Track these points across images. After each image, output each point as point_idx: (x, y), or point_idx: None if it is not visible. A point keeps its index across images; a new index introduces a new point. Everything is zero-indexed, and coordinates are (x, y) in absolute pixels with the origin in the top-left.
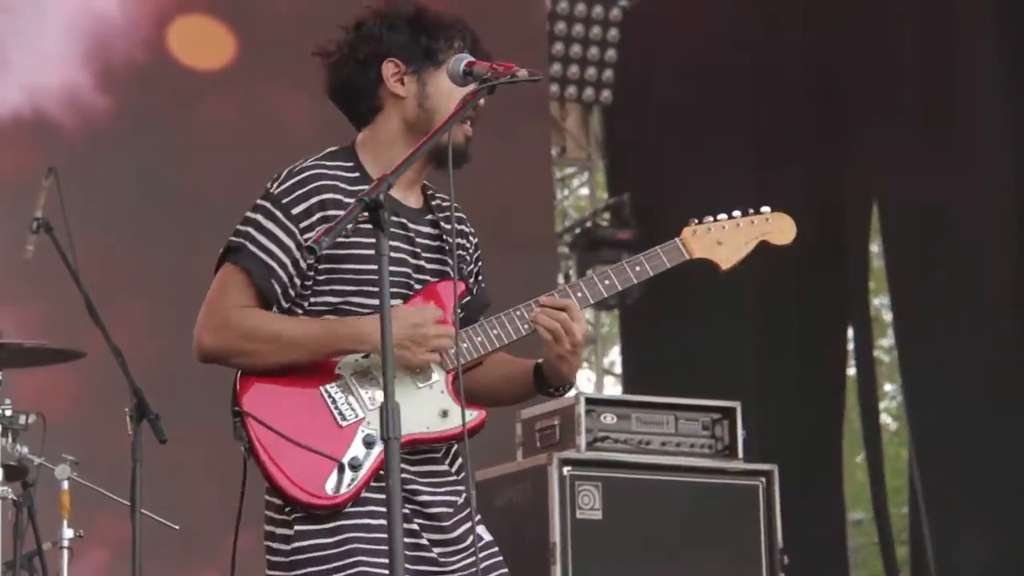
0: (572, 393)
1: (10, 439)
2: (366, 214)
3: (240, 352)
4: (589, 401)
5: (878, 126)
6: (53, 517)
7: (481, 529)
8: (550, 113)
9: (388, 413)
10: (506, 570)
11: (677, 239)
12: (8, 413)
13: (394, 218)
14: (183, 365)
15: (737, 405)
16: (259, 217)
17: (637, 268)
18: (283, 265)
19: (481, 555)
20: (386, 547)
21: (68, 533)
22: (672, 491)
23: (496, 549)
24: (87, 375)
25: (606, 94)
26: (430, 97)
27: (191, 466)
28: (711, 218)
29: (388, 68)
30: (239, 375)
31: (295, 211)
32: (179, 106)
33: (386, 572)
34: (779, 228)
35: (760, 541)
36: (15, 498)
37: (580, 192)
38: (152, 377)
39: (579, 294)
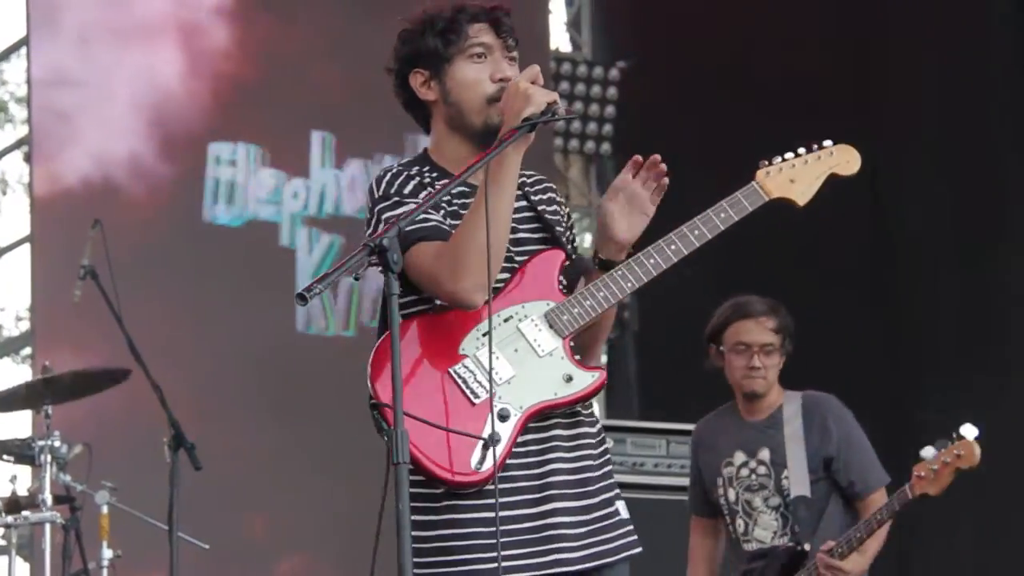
0: None
1: (55, 468)
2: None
3: (468, 256)
4: None
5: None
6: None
7: (621, 505)
8: (554, 164)
9: (397, 438)
10: (639, 550)
11: (754, 182)
12: (57, 443)
13: (462, 197)
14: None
15: None
16: (387, 209)
17: (722, 215)
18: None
19: (622, 530)
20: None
21: (107, 554)
22: (665, 510)
23: (632, 527)
24: (130, 406)
25: (606, 146)
26: (451, 92)
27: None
28: (779, 158)
29: (415, 80)
30: (369, 371)
31: (405, 190)
32: None
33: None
34: (845, 159)
35: None
36: (63, 522)
37: (584, 236)
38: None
39: (673, 247)
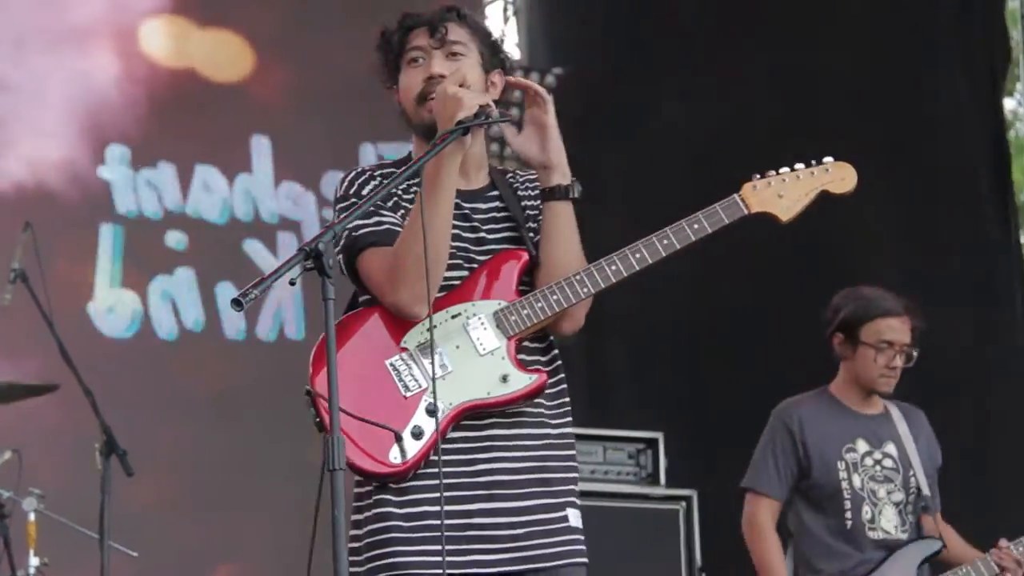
0: None
1: None
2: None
3: (406, 267)
4: None
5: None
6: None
7: (572, 513)
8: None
9: (333, 444)
10: (584, 560)
11: (736, 195)
12: None
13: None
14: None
15: (660, 435)
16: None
17: (696, 226)
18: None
19: (562, 537)
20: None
21: (34, 561)
22: (601, 515)
23: (580, 537)
24: (61, 412)
25: None
26: (400, 100)
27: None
28: (773, 172)
29: (393, 96)
30: (312, 355)
31: (364, 191)
32: None
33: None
34: (840, 177)
35: (681, 560)
36: None
37: None
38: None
39: (638, 255)
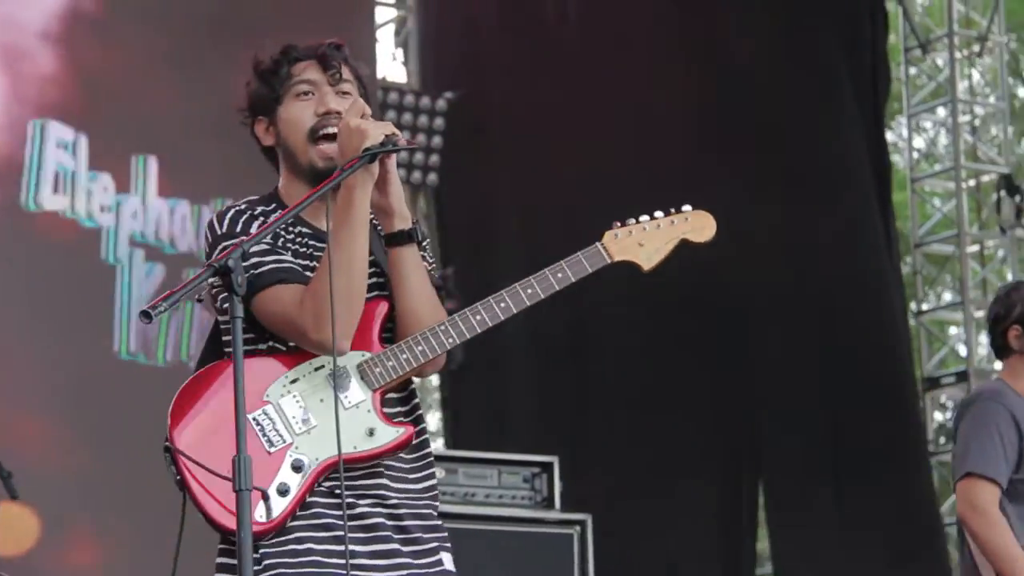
0: None
1: None
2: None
3: (327, 302)
4: None
5: None
6: None
7: (446, 556)
8: None
9: (240, 464)
10: None
11: (598, 243)
12: None
13: (306, 237)
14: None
15: (555, 460)
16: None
17: (559, 275)
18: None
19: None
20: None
21: None
22: (496, 539)
23: None
24: None
25: (432, 177)
26: (282, 133)
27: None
28: (633, 220)
29: (259, 128)
30: (170, 410)
31: (251, 228)
32: None
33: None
34: (699, 226)
35: None
36: None
37: None
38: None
39: (502, 304)
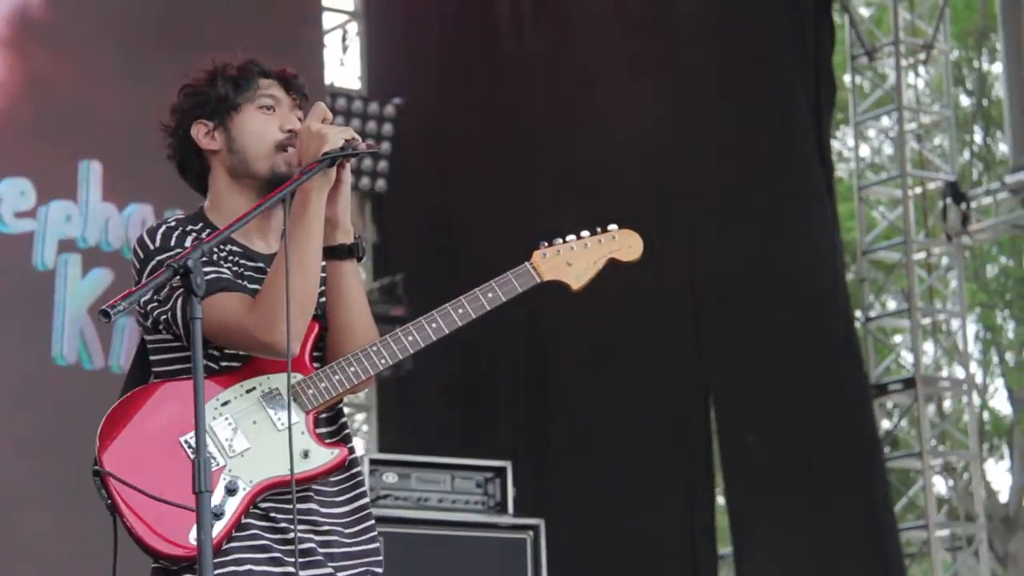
0: (360, 452)
1: None
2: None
3: (279, 305)
4: (372, 461)
5: None
6: None
7: None
8: None
9: (200, 465)
10: None
11: (528, 263)
12: None
13: (237, 256)
14: None
15: (508, 464)
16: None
17: (490, 295)
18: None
19: None
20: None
21: None
22: (449, 544)
23: None
24: None
25: (381, 183)
26: (237, 140)
27: None
28: (560, 240)
29: (198, 130)
30: (98, 433)
31: (185, 243)
32: None
33: None
34: (627, 245)
35: None
36: None
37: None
38: None
39: (434, 325)
